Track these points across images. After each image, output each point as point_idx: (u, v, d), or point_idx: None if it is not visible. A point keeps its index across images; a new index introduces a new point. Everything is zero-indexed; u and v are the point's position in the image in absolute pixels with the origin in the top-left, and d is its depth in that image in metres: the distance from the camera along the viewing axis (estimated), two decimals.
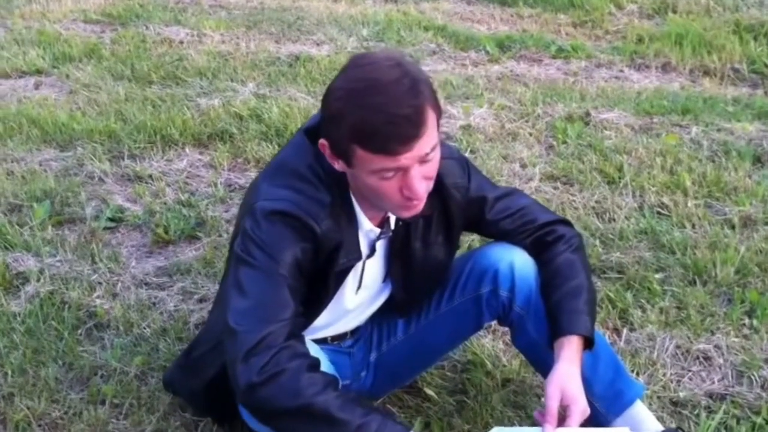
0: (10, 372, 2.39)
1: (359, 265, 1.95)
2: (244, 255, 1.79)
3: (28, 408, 2.25)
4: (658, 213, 3.22)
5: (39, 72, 4.67)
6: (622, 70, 4.71)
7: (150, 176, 3.49)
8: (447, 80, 4.45)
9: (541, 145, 3.78)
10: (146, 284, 2.80)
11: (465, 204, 2.02)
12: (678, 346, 2.51)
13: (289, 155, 1.90)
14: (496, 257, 2.07)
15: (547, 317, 2.00)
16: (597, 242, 3.02)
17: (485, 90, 4.33)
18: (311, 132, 1.86)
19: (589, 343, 1.97)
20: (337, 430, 1.66)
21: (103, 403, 2.30)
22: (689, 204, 3.23)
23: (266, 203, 1.81)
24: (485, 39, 5.01)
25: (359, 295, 2.04)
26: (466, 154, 3.57)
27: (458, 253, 2.15)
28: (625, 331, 2.58)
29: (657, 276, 2.83)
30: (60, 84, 4.51)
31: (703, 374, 2.42)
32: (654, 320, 2.61)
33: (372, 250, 1.96)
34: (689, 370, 2.43)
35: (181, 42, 5.01)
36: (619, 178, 3.44)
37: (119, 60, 4.75)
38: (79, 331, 2.58)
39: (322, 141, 1.75)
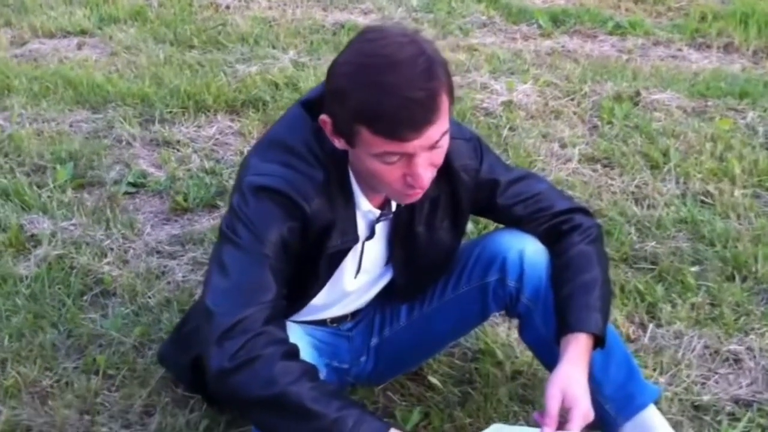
0: (7, 337, 2.34)
1: (358, 247, 1.84)
2: (228, 232, 1.69)
3: (20, 374, 2.21)
4: (702, 202, 3.03)
5: (83, 32, 4.63)
6: (680, 49, 4.47)
7: (178, 142, 3.42)
8: (494, 54, 4.28)
9: (585, 125, 3.60)
10: (158, 252, 2.73)
11: (474, 187, 1.88)
12: (707, 346, 2.35)
13: (283, 129, 1.78)
14: (506, 244, 1.94)
15: (556, 312, 1.86)
16: (632, 230, 2.85)
17: (532, 65, 4.15)
18: (310, 105, 1.74)
19: (599, 341, 1.83)
20: (310, 423, 1.55)
21: (96, 373, 2.24)
22: (736, 193, 3.03)
23: (254, 178, 1.70)
24: (539, 12, 4.82)
25: (359, 279, 1.92)
26: (505, 132, 3.44)
27: (470, 238, 2.02)
28: (651, 326, 2.43)
29: (693, 269, 2.65)
30: (102, 45, 4.47)
31: (731, 377, 2.25)
32: (684, 317, 2.45)
33: (372, 232, 1.84)
34: (716, 372, 2.27)
35: (227, 7, 4.92)
36: (664, 162, 3.25)
37: (163, 23, 4.68)
38: (84, 298, 2.53)
39: (323, 117, 1.62)
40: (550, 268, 1.90)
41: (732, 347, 2.34)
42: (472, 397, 2.18)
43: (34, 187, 3.00)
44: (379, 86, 1.50)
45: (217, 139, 3.45)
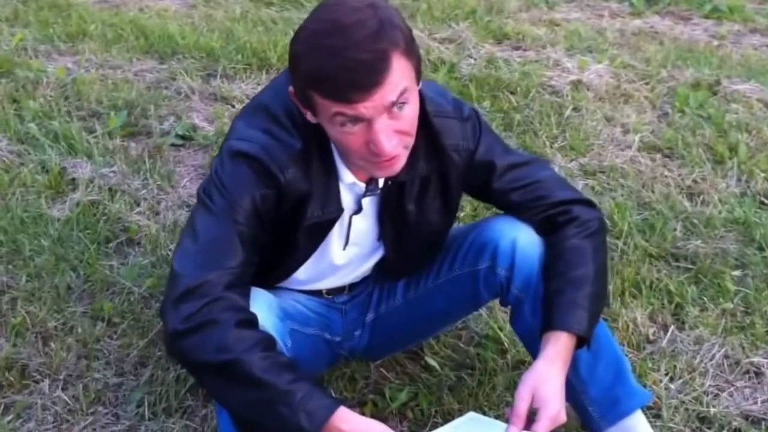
0: (25, 276, 2.40)
1: (345, 220, 1.80)
2: (204, 196, 1.68)
3: (28, 314, 2.26)
4: (761, 203, 2.85)
5: None
6: None
7: (235, 98, 3.43)
8: (575, 30, 4.12)
9: (655, 112, 3.43)
10: (188, 206, 2.75)
11: (466, 169, 1.81)
12: (727, 356, 2.21)
13: (269, 95, 1.75)
14: (499, 231, 1.86)
15: (542, 306, 1.78)
16: (678, 226, 2.71)
17: (612, 45, 3.98)
18: None
19: (585, 341, 1.74)
20: (258, 393, 1.52)
21: (102, 320, 2.27)
22: None
23: (234, 143, 1.68)
24: None
25: (349, 252, 1.88)
26: (567, 112, 3.33)
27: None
28: (672, 329, 2.30)
29: (734, 273, 2.50)
30: None
31: (747, 391, 2.12)
32: (710, 323, 2.31)
33: (359, 207, 1.80)
34: (732, 384, 2.14)
35: None
36: (729, 158, 3.07)
37: None
38: (109, 245, 2.57)
39: (290, 88, 1.60)
40: (544, 259, 1.82)
41: (755, 359, 2.20)
42: (466, 383, 2.12)
43: (83, 132, 3.06)
44: (323, 49, 1.48)
45: None
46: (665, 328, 2.32)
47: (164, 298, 1.62)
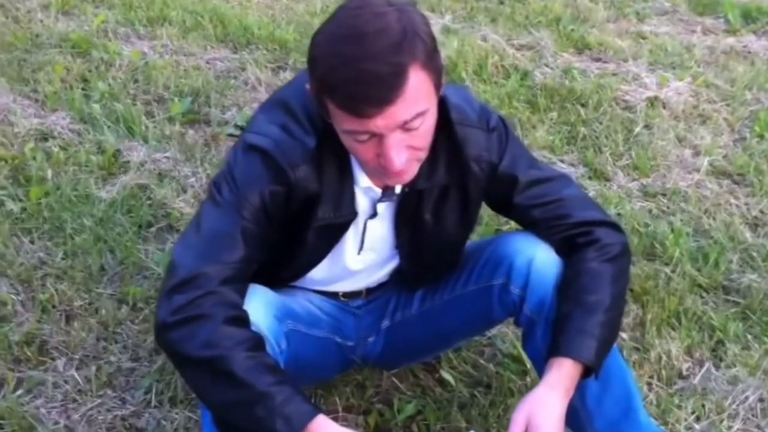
0: (61, 254, 2.45)
1: (360, 224, 1.76)
2: (214, 189, 1.66)
3: (57, 291, 2.30)
4: None
5: None
6: None
7: None
8: (661, 45, 3.96)
9: (731, 135, 3.27)
10: None
11: (487, 181, 1.75)
12: (762, 399, 2.09)
13: (291, 90, 1.72)
14: (516, 248, 1.79)
15: (551, 330, 1.70)
16: (734, 257, 2.57)
17: (698, 62, 3.80)
18: None
19: (593, 370, 1.66)
20: (237, 393, 1.50)
21: (127, 303, 2.29)
22: None
23: (251, 136, 1.66)
24: (729, 6, 4.39)
25: (364, 257, 1.84)
26: (637, 129, 3.20)
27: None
28: (708, 365, 2.18)
29: None
30: None
31: None
32: (750, 362, 2.18)
33: (374, 211, 1.75)
34: (762, 430, 2.00)
35: None
36: None
37: None
38: (150, 230, 2.60)
39: (307, 86, 1.56)
40: (560, 281, 1.74)
41: None
42: (478, 402, 2.05)
43: (143, 117, 3.10)
44: (340, 57, 1.42)
45: None
46: (701, 363, 2.20)
47: (161, 286, 1.61)
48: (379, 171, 1.56)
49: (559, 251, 1.76)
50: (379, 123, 1.44)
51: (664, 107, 3.41)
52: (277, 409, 1.49)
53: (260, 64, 3.61)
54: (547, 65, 3.74)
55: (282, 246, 1.74)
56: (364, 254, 1.83)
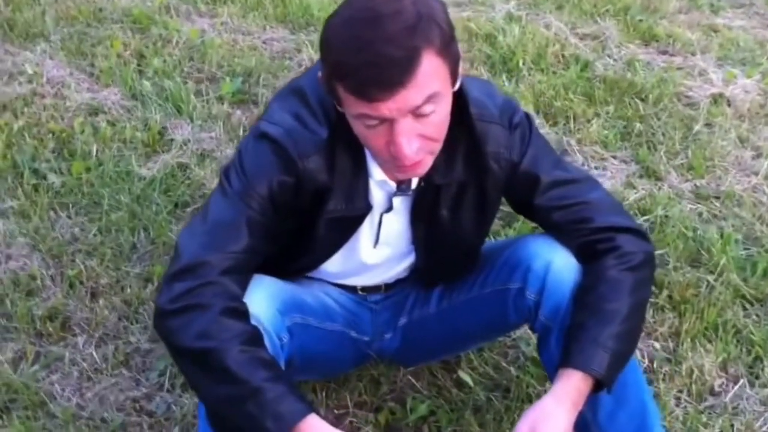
0: (95, 230, 2.47)
1: (375, 218, 1.72)
2: (223, 177, 1.64)
3: (86, 267, 2.32)
4: None
5: None
6: None
7: None
8: (733, 39, 3.79)
9: None
10: None
11: (507, 180, 1.69)
12: None
13: (307, 79, 1.68)
14: (534, 252, 1.72)
15: (564, 338, 1.64)
16: None
17: None
18: None
19: (605, 383, 1.59)
20: (229, 387, 1.48)
21: (153, 283, 2.30)
22: None
23: (263, 124, 1.64)
24: None
25: (380, 251, 1.80)
26: (697, 127, 3.07)
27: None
28: (742, 382, 2.08)
29: None
30: None
31: None
32: None
33: (390, 205, 1.71)
34: None
35: None
36: None
37: None
38: (186, 210, 2.60)
39: (319, 73, 1.52)
40: (577, 287, 1.67)
41: None
42: (494, 406, 1.99)
43: (193, 95, 3.11)
44: (352, 39, 1.38)
45: None
46: (735, 380, 2.10)
47: (165, 271, 1.60)
48: (391, 162, 1.52)
49: (578, 257, 1.69)
50: (390, 106, 1.40)
51: (728, 105, 3.27)
52: (269, 406, 1.46)
53: (316, 46, 3.57)
54: (610, 56, 3.62)
55: (293, 237, 1.71)
56: (379, 248, 1.79)
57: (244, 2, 3.93)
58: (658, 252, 2.47)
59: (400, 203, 1.71)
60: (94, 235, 2.45)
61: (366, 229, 1.74)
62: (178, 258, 1.58)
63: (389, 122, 1.43)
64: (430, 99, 1.42)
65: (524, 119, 1.70)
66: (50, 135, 2.86)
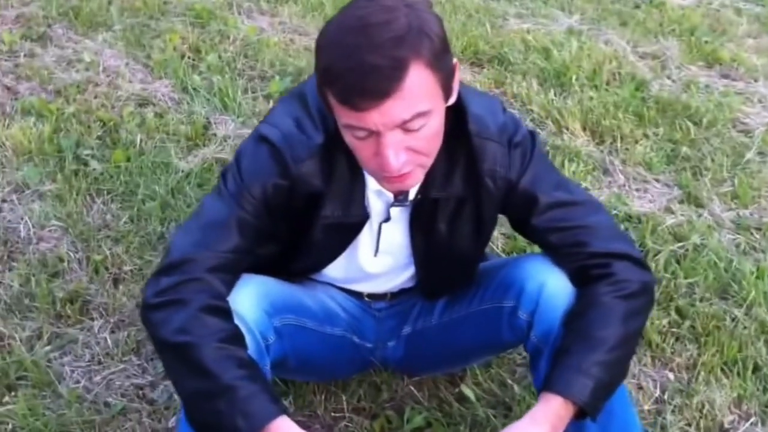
0: (125, 218, 2.53)
1: (374, 226, 1.72)
2: (221, 177, 1.67)
3: (111, 254, 2.38)
4: None
5: None
6: None
7: None
8: None
9: None
10: None
11: (503, 198, 1.67)
12: None
13: (310, 84, 1.69)
14: (529, 272, 1.70)
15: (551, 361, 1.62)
16: None
17: None
18: None
19: (585, 411, 1.56)
20: (202, 382, 1.49)
21: None
22: None
23: (264, 126, 1.66)
24: None
25: (381, 260, 1.80)
26: (749, 155, 2.99)
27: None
28: (754, 421, 2.02)
29: None
30: None
31: None
32: None
33: (388, 215, 1.72)
34: None
35: None
36: None
37: None
38: None
39: (314, 79, 1.54)
40: (569, 311, 1.64)
41: None
42: (492, 424, 1.97)
43: (239, 92, 3.16)
44: (341, 47, 1.39)
45: None
46: (747, 417, 2.03)
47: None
48: (379, 173, 1.52)
49: (573, 280, 1.66)
50: (376, 119, 1.40)
51: None
52: (240, 404, 1.47)
53: None
54: (669, 77, 3.55)
55: (290, 240, 1.73)
56: (380, 257, 1.80)
57: (306, 2, 3.97)
58: (687, 281, 2.41)
59: (399, 214, 1.71)
60: (125, 222, 2.51)
61: (366, 238, 1.75)
62: (169, 253, 1.61)
63: (377, 134, 1.43)
64: (419, 115, 1.42)
65: (527, 139, 1.68)
66: (98, 123, 2.94)
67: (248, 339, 1.59)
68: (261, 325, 1.65)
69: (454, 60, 1.50)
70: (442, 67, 1.44)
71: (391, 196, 1.67)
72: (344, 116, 1.44)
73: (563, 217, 1.67)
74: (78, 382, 2.04)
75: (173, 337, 1.52)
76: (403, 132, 1.43)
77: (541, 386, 1.61)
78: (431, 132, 1.47)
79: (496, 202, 1.68)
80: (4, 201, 2.60)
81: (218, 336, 1.51)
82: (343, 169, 1.62)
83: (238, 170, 1.62)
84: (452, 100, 1.53)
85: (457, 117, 1.59)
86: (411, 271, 1.85)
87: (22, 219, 2.51)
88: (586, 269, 1.64)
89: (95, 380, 2.05)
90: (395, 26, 1.38)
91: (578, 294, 1.64)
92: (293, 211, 1.65)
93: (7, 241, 2.44)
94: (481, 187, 1.65)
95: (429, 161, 1.54)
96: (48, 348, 2.11)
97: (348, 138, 1.50)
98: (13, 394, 2.00)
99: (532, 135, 1.70)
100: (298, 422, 1.51)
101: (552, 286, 1.66)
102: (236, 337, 1.55)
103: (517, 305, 1.70)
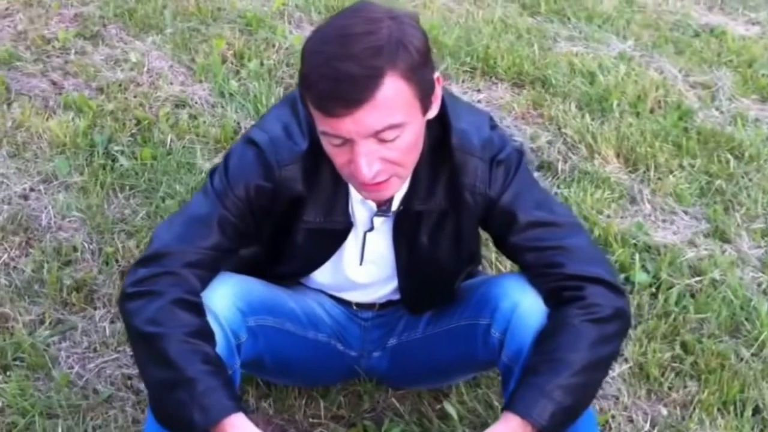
0: (142, 214, 2.58)
1: (359, 235, 1.74)
2: (208, 178, 1.71)
3: (122, 247, 2.43)
4: None
5: None
6: None
7: None
8: None
9: None
10: None
11: (483, 214, 1.67)
12: None
13: None
14: (504, 291, 1.70)
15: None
16: None
17: None
18: None
19: None
20: (165, 373, 1.53)
21: None
22: None
23: (254, 130, 1.71)
24: None
25: (366, 270, 1.82)
26: (755, 177, 2.89)
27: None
28: None
29: None
30: None
31: None
32: None
33: (372, 224, 1.72)
34: None
35: None
36: None
37: None
38: None
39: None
40: (539, 332, 1.62)
41: None
42: None
43: (274, 99, 3.20)
44: (320, 54, 1.42)
45: (480, 104, 3.35)
46: None
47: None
48: (353, 180, 1.54)
49: (547, 301, 1.64)
50: (349, 127, 1.42)
51: None
52: (198, 398, 1.50)
53: None
54: (717, 108, 3.46)
55: (274, 243, 1.76)
56: (366, 267, 1.81)
57: None
58: (697, 316, 2.35)
59: (383, 224, 1.72)
60: (142, 218, 2.56)
61: (352, 247, 1.76)
62: (150, 245, 1.66)
63: (351, 142, 1.45)
64: (393, 126, 1.43)
65: (512, 157, 1.67)
66: (133, 121, 3.01)
67: (218, 336, 1.62)
68: (233, 323, 1.67)
69: (437, 74, 1.51)
70: (420, 80, 1.45)
71: (374, 205, 1.68)
72: (320, 123, 1.47)
73: (541, 237, 1.66)
74: (72, 367, 2.10)
75: (144, 326, 1.55)
76: (377, 142, 1.45)
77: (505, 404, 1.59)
78: (406, 144, 1.48)
79: (474, 218, 1.67)
80: (32, 190, 2.69)
81: (186, 330, 1.55)
82: (326, 176, 1.64)
83: (225, 170, 1.66)
84: (432, 113, 1.54)
85: (442, 130, 1.60)
86: (396, 282, 1.85)
87: (45, 208, 2.59)
88: (559, 291, 1.62)
89: (88, 367, 2.10)
90: (375, 37, 1.40)
91: (549, 315, 1.62)
92: (276, 213, 1.67)
93: (28, 228, 2.51)
94: (460, 202, 1.65)
95: (406, 172, 1.55)
96: (48, 332, 2.17)
97: (325, 144, 1.52)
98: (8, 374, 2.06)
99: (519, 153, 1.69)
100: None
101: (526, 305, 1.65)
102: (205, 333, 1.58)
103: (491, 323, 1.69)
